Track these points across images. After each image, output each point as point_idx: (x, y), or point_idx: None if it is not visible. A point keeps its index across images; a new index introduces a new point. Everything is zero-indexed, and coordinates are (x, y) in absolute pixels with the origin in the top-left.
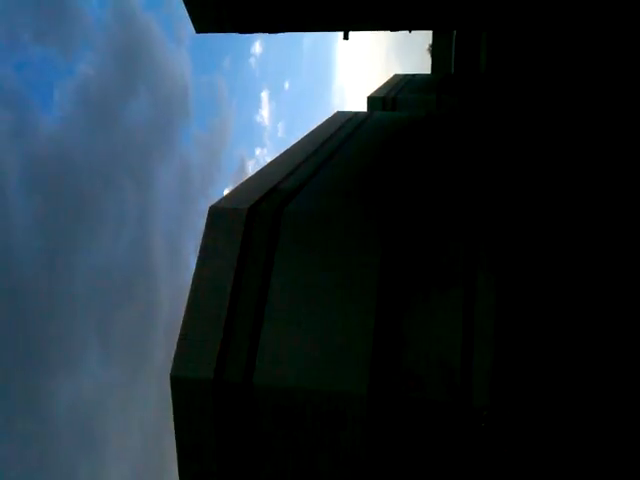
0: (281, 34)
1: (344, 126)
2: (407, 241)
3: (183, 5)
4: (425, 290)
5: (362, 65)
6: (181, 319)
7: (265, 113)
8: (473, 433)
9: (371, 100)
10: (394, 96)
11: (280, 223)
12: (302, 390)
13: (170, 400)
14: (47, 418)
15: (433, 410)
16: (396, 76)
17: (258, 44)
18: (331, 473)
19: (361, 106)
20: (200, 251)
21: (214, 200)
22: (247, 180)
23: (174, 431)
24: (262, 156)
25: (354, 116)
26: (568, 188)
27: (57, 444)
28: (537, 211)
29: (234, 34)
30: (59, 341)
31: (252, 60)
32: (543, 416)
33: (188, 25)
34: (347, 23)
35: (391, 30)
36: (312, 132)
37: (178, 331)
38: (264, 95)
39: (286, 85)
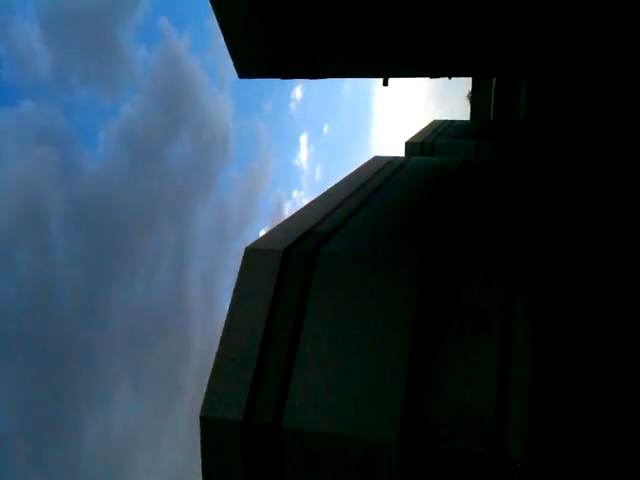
0: (322, 79)
1: (381, 171)
2: (442, 287)
3: (227, 51)
4: (460, 337)
5: (401, 111)
6: (213, 358)
7: (303, 156)
8: None
9: (409, 145)
10: (432, 141)
11: (315, 265)
12: (332, 436)
13: (199, 439)
14: (77, 451)
15: (465, 461)
16: (435, 122)
17: (299, 89)
18: None
19: (399, 151)
20: (234, 291)
21: (250, 241)
22: (283, 222)
23: (201, 471)
24: (299, 198)
25: (392, 161)
26: (608, 234)
27: (86, 477)
28: (576, 258)
29: (275, 79)
30: (92, 376)
31: (292, 104)
32: (578, 469)
33: (231, 70)
34: (387, 70)
35: (431, 77)
36: (349, 176)
37: (210, 370)
38: (303, 138)
39: (325, 129)
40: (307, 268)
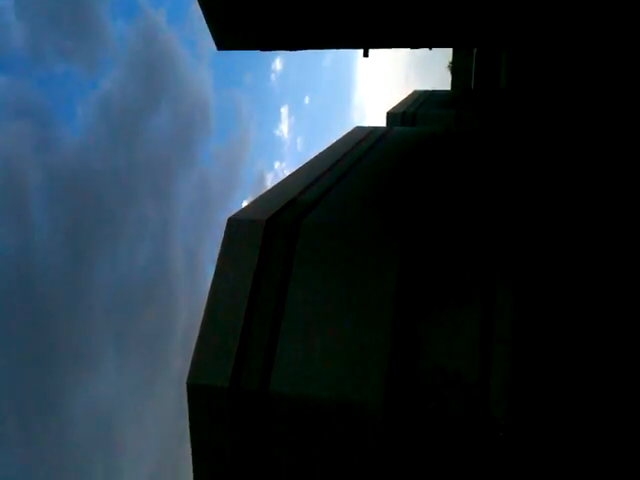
0: (302, 51)
1: (363, 140)
2: (425, 256)
3: (205, 22)
4: (443, 304)
5: (382, 82)
6: (198, 328)
7: (284, 127)
8: (490, 443)
9: (390, 116)
10: (413, 112)
11: (298, 235)
12: (318, 399)
13: (186, 407)
14: (63, 423)
15: (449, 421)
16: (415, 92)
17: (279, 60)
18: (346, 478)
19: (380, 122)
20: (218, 261)
21: (233, 212)
22: (266, 192)
23: (189, 438)
24: (281, 169)
25: (373, 131)
26: (588, 205)
27: (73, 449)
28: (556, 228)
29: (255, 51)
30: (77, 348)
31: (273, 76)
32: (560, 427)
33: (210, 42)
34: (367, 41)
35: (411, 48)
36: (331, 146)
37: (195, 339)
38: (284, 110)
39: (306, 100)
40: (290, 238)
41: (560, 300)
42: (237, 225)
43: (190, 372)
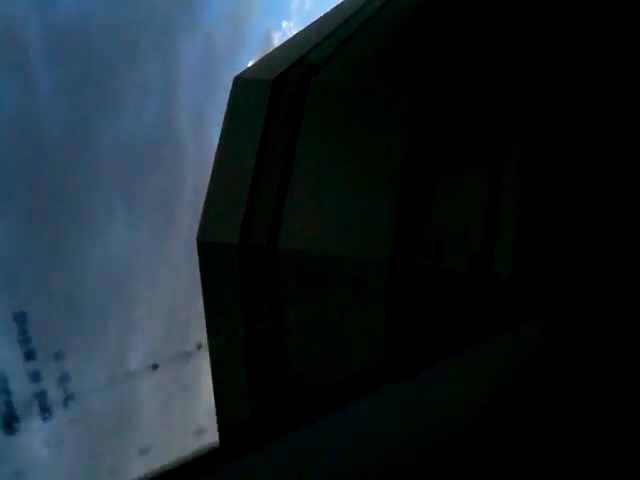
0: None
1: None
2: (435, 118)
3: None
4: (451, 167)
5: None
6: (206, 188)
7: None
8: (493, 302)
9: None
10: None
11: (306, 94)
12: (326, 256)
13: (197, 263)
14: (77, 277)
15: (452, 279)
16: None
17: None
18: (352, 333)
19: None
20: (224, 122)
21: (239, 72)
22: (273, 51)
23: (202, 293)
24: (288, 29)
25: None
26: (604, 70)
27: (87, 303)
28: (571, 90)
29: None
30: (86, 205)
31: None
32: (561, 286)
33: None
34: None
35: None
36: (341, 4)
37: (203, 199)
38: None
39: None
40: (298, 97)
41: (570, 162)
42: (243, 84)
43: (200, 229)
